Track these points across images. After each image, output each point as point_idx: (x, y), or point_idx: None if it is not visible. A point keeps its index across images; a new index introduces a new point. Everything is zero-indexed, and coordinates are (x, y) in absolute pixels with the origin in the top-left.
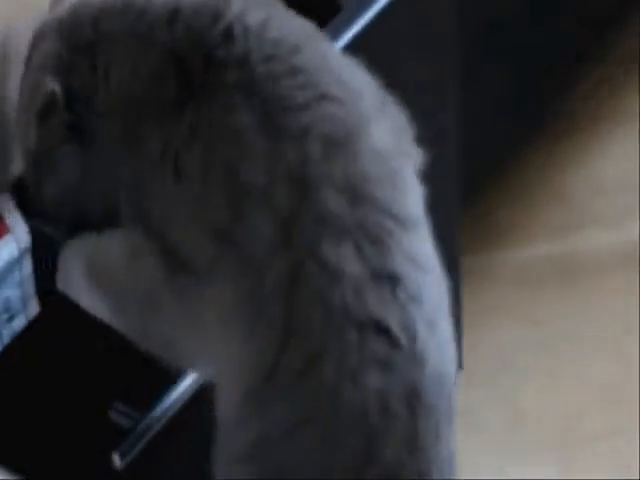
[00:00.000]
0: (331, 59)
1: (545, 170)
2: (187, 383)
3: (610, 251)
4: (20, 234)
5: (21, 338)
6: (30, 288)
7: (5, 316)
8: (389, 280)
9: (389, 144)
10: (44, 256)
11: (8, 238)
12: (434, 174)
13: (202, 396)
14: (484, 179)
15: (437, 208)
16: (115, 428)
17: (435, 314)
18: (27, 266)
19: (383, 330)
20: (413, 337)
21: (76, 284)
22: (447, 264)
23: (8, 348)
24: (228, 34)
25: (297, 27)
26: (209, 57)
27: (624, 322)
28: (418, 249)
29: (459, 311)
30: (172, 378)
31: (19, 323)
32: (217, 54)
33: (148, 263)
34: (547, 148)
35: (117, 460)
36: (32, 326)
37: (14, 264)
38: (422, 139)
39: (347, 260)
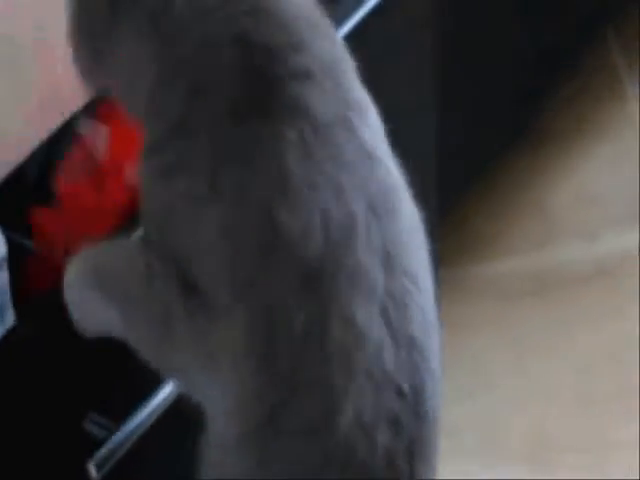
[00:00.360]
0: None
1: (523, 181)
2: (164, 393)
3: (588, 263)
4: None
5: None
6: (6, 299)
7: None
8: (407, 343)
9: (413, 204)
10: (20, 267)
11: None
12: (411, 184)
13: (179, 407)
14: (461, 190)
15: None
16: (90, 439)
17: (436, 365)
18: (3, 277)
19: (397, 390)
20: (421, 395)
21: (83, 296)
22: None
23: None
24: (308, 72)
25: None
26: (282, 87)
27: (600, 335)
28: (427, 307)
29: None
30: (149, 388)
31: None
32: (292, 87)
33: (163, 286)
34: (526, 159)
35: (93, 471)
36: (8, 337)
37: None
38: (400, 146)
39: (372, 322)
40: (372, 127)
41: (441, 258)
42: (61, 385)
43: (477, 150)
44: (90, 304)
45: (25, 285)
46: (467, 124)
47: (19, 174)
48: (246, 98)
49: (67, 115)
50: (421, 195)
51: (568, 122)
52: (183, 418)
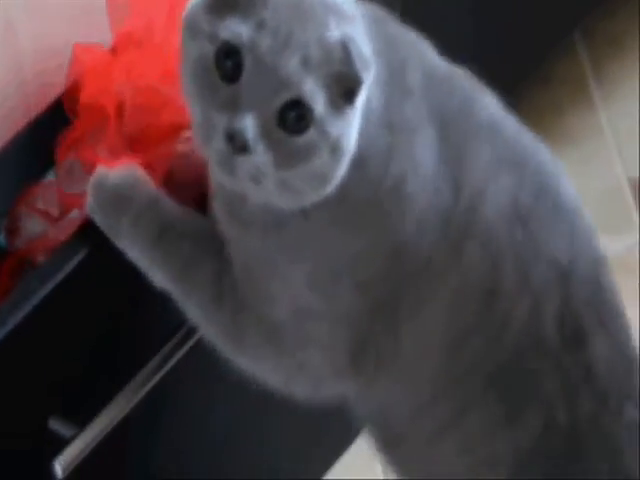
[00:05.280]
0: None
1: None
2: (130, 393)
3: None
4: None
5: None
6: None
7: None
8: None
9: None
10: None
11: None
12: None
13: (144, 407)
14: None
15: None
16: (56, 439)
17: None
18: None
19: None
20: None
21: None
22: None
23: None
24: None
25: None
26: None
27: None
28: None
29: None
30: (115, 388)
31: None
32: None
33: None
34: None
35: (58, 471)
36: None
37: None
38: None
39: None
40: None
41: None
42: (27, 385)
43: None
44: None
45: None
46: None
47: None
48: None
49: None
50: None
51: (535, 129)
52: (148, 419)
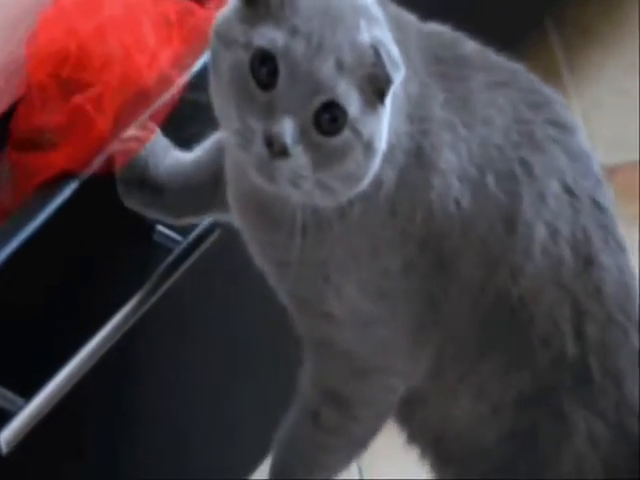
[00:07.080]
0: None
1: None
2: (74, 367)
3: None
4: None
5: None
6: None
7: None
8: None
9: None
10: None
11: None
12: None
13: (89, 381)
14: None
15: None
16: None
17: None
18: None
19: None
20: None
21: None
22: None
23: None
24: None
25: None
26: None
27: None
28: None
29: None
30: (58, 361)
31: None
32: None
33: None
34: None
35: (2, 445)
36: None
37: None
38: None
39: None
40: None
41: None
42: None
43: None
44: None
45: None
46: None
47: None
48: None
49: None
50: None
51: None
52: (93, 393)
